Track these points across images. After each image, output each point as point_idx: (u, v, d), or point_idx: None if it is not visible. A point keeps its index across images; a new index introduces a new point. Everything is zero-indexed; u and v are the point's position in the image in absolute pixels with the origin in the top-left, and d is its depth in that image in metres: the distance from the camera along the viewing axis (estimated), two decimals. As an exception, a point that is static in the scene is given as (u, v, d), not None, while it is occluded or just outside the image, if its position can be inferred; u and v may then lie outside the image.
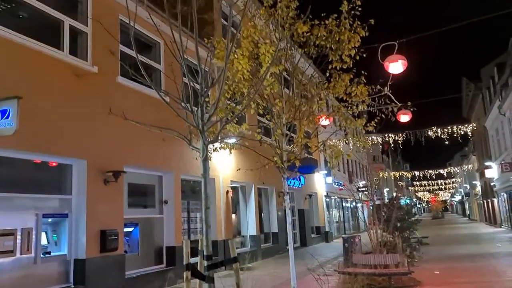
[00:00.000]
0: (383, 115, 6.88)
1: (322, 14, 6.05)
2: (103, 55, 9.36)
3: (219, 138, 4.12)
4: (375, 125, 6.55)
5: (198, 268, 3.78)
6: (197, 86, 3.96)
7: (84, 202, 8.58)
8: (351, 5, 5.59)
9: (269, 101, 5.77)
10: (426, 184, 67.05)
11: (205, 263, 3.68)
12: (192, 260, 4.11)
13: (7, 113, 6.63)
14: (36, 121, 7.59)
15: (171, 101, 4.28)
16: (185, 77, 4.06)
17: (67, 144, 8.29)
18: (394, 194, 42.36)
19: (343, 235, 19.75)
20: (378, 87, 6.22)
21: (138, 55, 4.17)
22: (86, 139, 8.70)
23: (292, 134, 6.22)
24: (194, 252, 4.74)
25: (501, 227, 30.58)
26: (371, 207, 12.38)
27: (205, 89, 3.76)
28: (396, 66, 7.66)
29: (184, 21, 4.02)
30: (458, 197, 78.91)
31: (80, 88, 8.76)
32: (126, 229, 10.03)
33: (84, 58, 9.12)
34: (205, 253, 3.68)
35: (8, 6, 8.43)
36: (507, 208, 27.93)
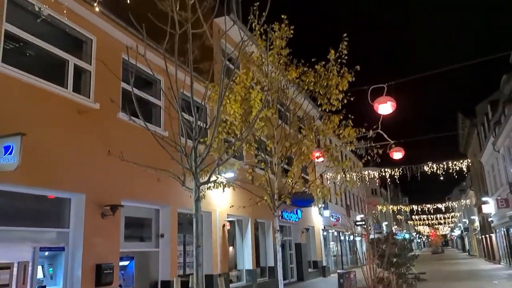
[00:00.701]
0: (368, 157, 7.14)
1: (313, 59, 6.43)
2: (105, 92, 9.75)
3: (211, 180, 4.36)
4: (361, 165, 6.81)
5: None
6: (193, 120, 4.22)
7: (81, 236, 8.72)
8: (338, 54, 5.97)
9: (261, 143, 6.06)
10: (425, 218, 66.66)
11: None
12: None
13: (11, 149, 6.89)
14: (37, 156, 7.84)
15: (167, 139, 4.55)
16: (182, 115, 4.33)
17: (67, 179, 8.52)
18: (392, 229, 42.12)
19: (339, 271, 19.64)
20: (365, 130, 6.50)
21: (140, 93, 4.48)
22: (86, 173, 8.94)
23: (287, 167, 6.47)
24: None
25: (500, 264, 30.32)
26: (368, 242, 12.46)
27: (198, 133, 4.04)
28: (385, 108, 7.98)
29: (183, 59, 4.33)
30: (457, 232, 78.22)
31: (81, 124, 9.08)
32: (121, 263, 10.10)
33: (86, 95, 9.49)
34: (195, 290, 3.86)
35: (16, 45, 8.87)
36: (505, 244, 27.81)
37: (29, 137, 7.11)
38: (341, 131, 6.30)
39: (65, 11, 7.44)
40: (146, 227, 11.58)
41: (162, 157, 5.27)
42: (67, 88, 8.96)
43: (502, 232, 28.17)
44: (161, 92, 11.99)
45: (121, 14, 10.12)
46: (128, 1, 5.80)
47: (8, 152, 6.85)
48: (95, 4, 6.69)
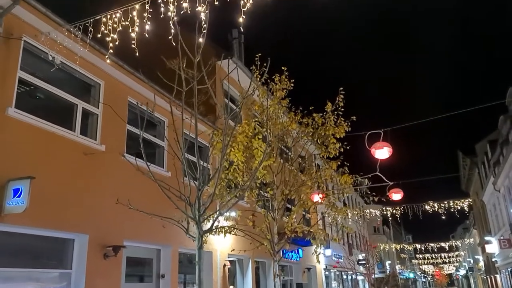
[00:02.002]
0: (369, 198, 7.35)
1: (311, 108, 6.76)
2: (111, 134, 10.09)
3: (213, 226, 4.57)
4: (358, 211, 7.00)
5: None
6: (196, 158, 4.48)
7: (83, 277, 8.78)
8: (335, 106, 6.32)
9: (261, 187, 6.30)
10: (430, 257, 65.52)
11: None
12: None
13: (20, 192, 7.14)
14: (43, 197, 8.05)
15: (172, 189, 4.78)
16: (186, 156, 4.59)
17: (71, 220, 8.69)
18: (394, 269, 41.46)
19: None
20: (360, 178, 6.75)
21: (145, 135, 4.76)
22: (90, 214, 9.11)
23: (289, 206, 6.69)
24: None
25: (506, 306, 29.65)
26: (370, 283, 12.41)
27: (202, 184, 4.29)
28: (382, 153, 8.26)
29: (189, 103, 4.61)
30: (463, 271, 76.61)
31: (86, 165, 9.34)
32: (121, 304, 10.08)
33: (93, 137, 9.81)
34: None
35: (28, 90, 9.28)
36: (509, 285, 27.33)
37: (36, 179, 7.36)
38: (338, 178, 6.55)
39: (77, 62, 7.86)
40: (147, 267, 11.61)
41: (167, 200, 5.48)
42: (74, 131, 9.29)
43: (507, 273, 27.74)
44: (165, 133, 12.36)
45: (130, 59, 10.62)
46: (137, 54, 6.18)
47: (17, 195, 7.09)
48: (106, 56, 7.08)
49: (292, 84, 6.51)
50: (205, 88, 4.88)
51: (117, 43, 6.64)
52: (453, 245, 50.00)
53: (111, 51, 6.82)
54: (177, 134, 4.42)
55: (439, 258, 68.31)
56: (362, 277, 34.19)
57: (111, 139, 10.02)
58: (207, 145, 4.89)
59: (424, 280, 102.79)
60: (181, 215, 4.57)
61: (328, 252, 27.04)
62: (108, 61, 7.98)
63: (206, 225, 4.60)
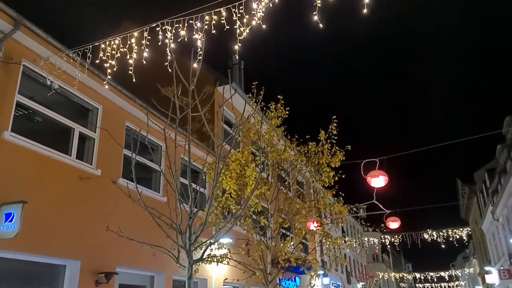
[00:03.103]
0: (366, 226, 7.27)
1: (307, 136, 6.78)
2: (107, 159, 10.06)
3: (205, 255, 4.49)
4: (352, 240, 6.90)
5: None
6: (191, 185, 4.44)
7: (79, 305, 8.58)
8: (328, 134, 6.35)
9: (255, 215, 6.25)
10: (430, 287, 64.32)
11: None
12: None
13: (12, 216, 7.06)
14: (35, 222, 7.95)
15: (164, 218, 4.74)
16: (182, 182, 4.56)
17: (63, 245, 8.56)
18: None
19: None
20: (355, 209, 6.70)
21: (141, 159, 4.74)
22: (82, 240, 8.98)
23: (284, 231, 6.63)
24: None
25: None
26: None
27: (194, 212, 4.24)
28: (378, 181, 8.24)
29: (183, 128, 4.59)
30: (463, 302, 75.10)
31: (81, 190, 9.27)
32: (112, 333, 9.82)
33: (89, 162, 9.78)
34: None
35: (25, 113, 9.31)
36: (510, 317, 26.76)
37: (29, 204, 7.29)
38: (333, 208, 6.51)
39: (76, 86, 7.91)
40: (140, 295, 11.36)
41: (160, 227, 5.41)
42: (70, 155, 9.26)
43: (508, 305, 27.21)
44: (161, 158, 12.33)
45: (127, 84, 10.71)
46: (134, 80, 6.23)
47: (9, 220, 7.01)
48: (104, 82, 7.14)
49: (287, 112, 6.55)
50: (200, 115, 4.91)
51: (115, 69, 6.71)
52: (453, 274, 49.23)
53: (110, 76, 6.89)
54: (169, 161, 4.41)
55: (439, 287, 67.07)
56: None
57: (107, 163, 9.99)
58: (202, 175, 4.88)
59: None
60: (173, 243, 4.50)
61: (326, 280, 26.55)
62: (106, 86, 8.04)
63: (198, 254, 4.52)
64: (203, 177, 4.90)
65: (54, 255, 8.49)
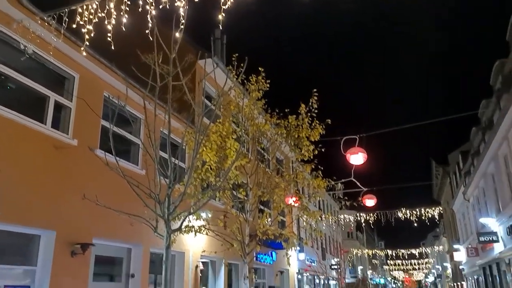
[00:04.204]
0: (343, 202, 7.39)
1: (286, 110, 6.76)
2: (84, 129, 9.84)
3: (183, 226, 4.48)
4: (330, 215, 7.01)
5: None
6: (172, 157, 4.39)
7: (48, 274, 8.51)
8: (308, 107, 6.34)
9: (234, 189, 6.24)
10: (400, 264, 66.76)
11: None
12: None
13: (-17, 184, 6.86)
14: (9, 191, 7.78)
15: (142, 186, 4.68)
16: (160, 153, 4.50)
17: (38, 215, 8.42)
18: (365, 274, 41.98)
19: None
20: (333, 182, 6.77)
21: (119, 131, 4.64)
22: (58, 210, 8.85)
23: (263, 207, 6.68)
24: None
25: (471, 313, 30.41)
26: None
27: (173, 182, 4.20)
28: (357, 158, 8.32)
29: (165, 99, 4.50)
30: (431, 278, 78.25)
31: (57, 159, 9.07)
32: (88, 304, 9.83)
33: (65, 131, 9.55)
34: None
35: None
36: (475, 293, 28.05)
37: (3, 172, 7.11)
38: (312, 182, 6.55)
39: (51, 53, 7.63)
40: (117, 267, 11.36)
41: (138, 198, 5.35)
42: (45, 124, 9.01)
43: (473, 281, 28.45)
44: (140, 130, 12.15)
45: (105, 53, 10.40)
46: (113, 47, 6.03)
47: (-19, 188, 6.80)
48: (82, 48, 6.89)
49: (268, 85, 6.49)
50: (181, 85, 4.80)
51: (92, 35, 6.46)
52: (423, 252, 51.04)
53: (87, 43, 6.64)
54: (149, 130, 4.32)
55: (409, 264, 69.63)
56: (334, 282, 34.48)
57: (84, 133, 9.77)
58: (182, 146, 4.82)
59: (394, 286, 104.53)
60: (152, 214, 4.46)
61: (302, 256, 27.15)
62: (84, 53, 7.77)
63: (176, 225, 4.50)
64: (183, 147, 4.82)
65: (29, 225, 8.35)
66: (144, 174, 10.91)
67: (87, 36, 6.46)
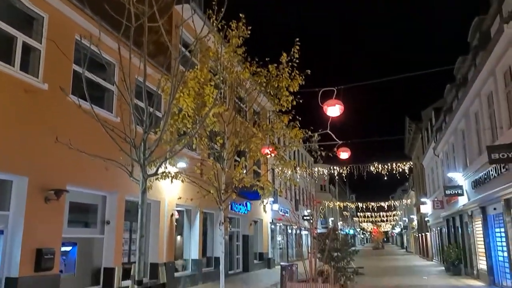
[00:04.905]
0: (317, 155, 7.51)
1: (267, 59, 6.65)
2: (55, 73, 9.47)
3: (159, 172, 4.46)
4: (305, 165, 7.12)
5: (129, 292, 4.04)
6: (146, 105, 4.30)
7: (21, 219, 8.48)
8: (290, 57, 6.25)
9: (212, 137, 6.21)
10: (370, 216, 69.69)
11: (136, 287, 3.96)
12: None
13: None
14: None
15: (117, 130, 4.57)
16: (135, 104, 4.40)
17: (9, 160, 8.24)
18: (335, 224, 43.62)
19: (282, 263, 20.21)
20: (310, 132, 6.82)
21: (92, 77, 4.49)
22: (30, 155, 8.68)
23: (239, 159, 6.74)
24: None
25: (432, 261, 32.37)
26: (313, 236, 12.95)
27: (149, 126, 4.13)
28: (334, 110, 8.36)
29: (140, 44, 4.35)
30: (398, 229, 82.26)
31: (27, 103, 8.78)
32: (63, 249, 9.93)
33: (35, 75, 9.18)
34: (136, 278, 3.97)
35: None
36: (437, 242, 29.72)
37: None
38: (288, 132, 6.58)
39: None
40: (92, 213, 11.41)
41: (112, 144, 5.27)
42: (14, 66, 8.62)
43: (436, 232, 30.07)
44: (114, 76, 11.79)
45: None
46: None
47: None
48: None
49: (249, 32, 6.32)
50: (157, 27, 4.60)
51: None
52: (392, 205, 53.29)
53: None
54: (123, 73, 4.17)
55: (378, 217, 72.72)
56: (306, 232, 35.83)
57: (55, 78, 9.41)
58: (158, 91, 4.69)
59: (362, 236, 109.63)
60: (127, 160, 4.41)
61: (276, 206, 27.88)
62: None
63: (152, 171, 4.48)
64: (160, 93, 4.71)
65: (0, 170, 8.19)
66: (119, 121, 10.73)
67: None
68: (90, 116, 4.39)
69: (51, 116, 9.19)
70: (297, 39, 6.21)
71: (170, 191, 14.11)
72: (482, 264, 17.32)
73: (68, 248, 10.43)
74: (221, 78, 5.68)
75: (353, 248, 19.75)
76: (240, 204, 21.04)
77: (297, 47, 6.34)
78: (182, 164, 7.86)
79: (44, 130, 8.91)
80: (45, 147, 8.93)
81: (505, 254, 13.94)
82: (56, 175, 9.29)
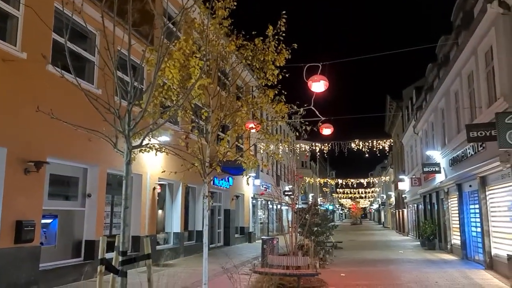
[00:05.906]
0: (300, 131, 7.55)
1: (253, 33, 6.57)
2: (34, 42, 9.17)
3: (144, 143, 4.43)
4: (290, 139, 7.15)
5: (114, 263, 4.06)
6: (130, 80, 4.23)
7: (0, 191, 8.35)
8: (276, 30, 6.19)
9: (197, 110, 6.16)
10: (349, 192, 70.87)
11: (120, 258, 3.98)
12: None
13: None
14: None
15: (100, 100, 4.48)
16: (118, 76, 4.31)
17: (-13, 131, 8.04)
18: (316, 200, 44.39)
19: (263, 237, 20.58)
20: (296, 107, 6.83)
21: (73, 47, 4.36)
22: (8, 126, 8.48)
23: (222, 135, 6.74)
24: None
25: (408, 236, 33.40)
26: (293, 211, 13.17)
27: (134, 96, 4.07)
28: (318, 86, 8.38)
29: (123, 14, 4.22)
30: (376, 206, 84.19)
31: (5, 72, 8.52)
32: (44, 221, 9.86)
33: (13, 43, 8.87)
34: (120, 249, 3.98)
35: None
36: (414, 218, 30.61)
37: None
38: (274, 106, 6.58)
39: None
40: (73, 186, 11.31)
41: (95, 116, 5.16)
42: (-11, 34, 8.32)
43: (413, 208, 30.92)
44: (96, 47, 11.49)
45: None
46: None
47: None
48: None
49: (235, 3, 6.21)
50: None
51: None
52: (371, 181, 54.25)
53: None
54: (107, 41, 4.07)
55: (357, 193, 74.00)
56: (286, 208, 36.38)
57: (34, 47, 9.11)
58: (142, 64, 4.59)
59: (341, 212, 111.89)
60: (111, 132, 4.34)
61: (257, 181, 28.14)
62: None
63: (136, 142, 4.43)
64: (143, 65, 4.62)
65: (-23, 141, 8.00)
66: (100, 93, 10.53)
67: None
68: (73, 86, 4.28)
69: (31, 86, 8.95)
70: (284, 12, 6.14)
71: (152, 165, 14.06)
72: (456, 239, 17.97)
73: (49, 221, 10.36)
74: (207, 50, 5.59)
75: (332, 223, 20.28)
76: (222, 179, 21.15)
77: (284, 20, 6.27)
78: (166, 138, 7.81)
79: (23, 100, 8.69)
80: (25, 117, 8.73)
81: (478, 229, 14.47)
82: (36, 147, 9.13)
